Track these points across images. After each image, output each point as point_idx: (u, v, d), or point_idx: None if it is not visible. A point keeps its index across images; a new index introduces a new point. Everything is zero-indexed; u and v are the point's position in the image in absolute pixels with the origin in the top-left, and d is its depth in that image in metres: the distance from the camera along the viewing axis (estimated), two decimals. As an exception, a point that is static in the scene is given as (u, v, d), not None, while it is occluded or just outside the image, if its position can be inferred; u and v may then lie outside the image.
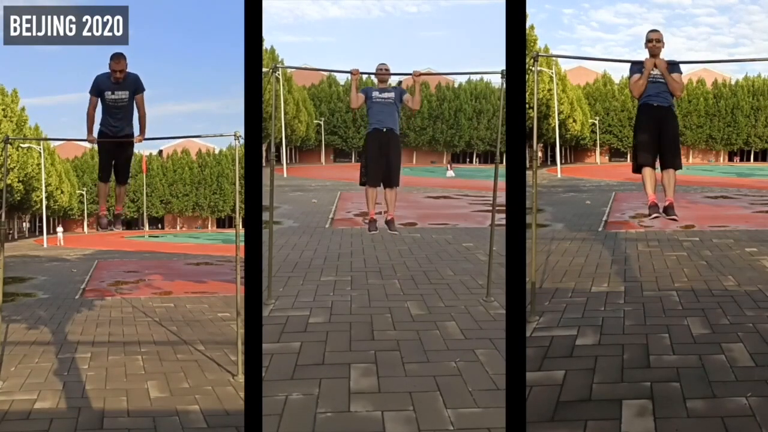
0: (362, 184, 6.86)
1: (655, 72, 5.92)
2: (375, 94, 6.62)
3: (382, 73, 6.62)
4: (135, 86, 6.07)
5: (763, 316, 6.46)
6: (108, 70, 6.02)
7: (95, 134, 6.13)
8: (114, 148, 6.24)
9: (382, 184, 6.81)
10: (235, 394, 6.34)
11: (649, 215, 6.00)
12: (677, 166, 5.95)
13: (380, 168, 6.70)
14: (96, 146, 6.22)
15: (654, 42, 5.86)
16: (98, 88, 6.05)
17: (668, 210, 5.95)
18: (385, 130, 6.62)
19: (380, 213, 7.00)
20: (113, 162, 6.33)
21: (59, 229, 29.29)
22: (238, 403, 6.02)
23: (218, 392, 6.37)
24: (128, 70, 6.02)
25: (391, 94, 6.63)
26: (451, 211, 17.66)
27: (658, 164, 6.11)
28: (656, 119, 5.92)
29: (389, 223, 6.93)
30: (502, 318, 5.98)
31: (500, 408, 4.62)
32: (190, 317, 9.94)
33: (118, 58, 5.94)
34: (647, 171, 5.93)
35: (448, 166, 34.21)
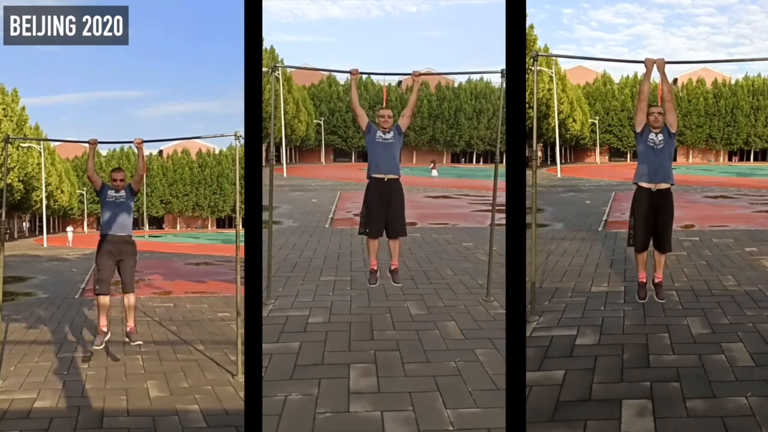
0: (362, 233, 6.81)
1: (657, 138, 6.31)
2: (378, 133, 6.64)
3: (384, 119, 6.65)
4: (131, 190, 7.03)
5: (763, 315, 6.46)
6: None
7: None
8: (117, 250, 6.87)
9: (385, 234, 6.75)
10: (234, 393, 6.34)
11: (639, 296, 6.67)
12: (668, 249, 6.59)
13: (381, 219, 6.67)
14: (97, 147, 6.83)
15: (656, 114, 6.31)
16: (101, 191, 7.00)
17: (657, 289, 6.67)
18: (386, 180, 6.63)
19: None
20: (116, 268, 6.92)
21: (69, 228, 29.31)
22: (237, 402, 6.02)
23: (218, 392, 6.37)
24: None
25: (392, 134, 6.66)
26: (450, 210, 17.68)
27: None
28: (653, 206, 6.38)
29: (393, 273, 6.95)
30: (502, 318, 5.99)
31: (500, 408, 4.61)
32: (190, 317, 9.93)
33: (118, 170, 7.14)
34: (640, 256, 6.58)
35: (432, 165, 34.22)
